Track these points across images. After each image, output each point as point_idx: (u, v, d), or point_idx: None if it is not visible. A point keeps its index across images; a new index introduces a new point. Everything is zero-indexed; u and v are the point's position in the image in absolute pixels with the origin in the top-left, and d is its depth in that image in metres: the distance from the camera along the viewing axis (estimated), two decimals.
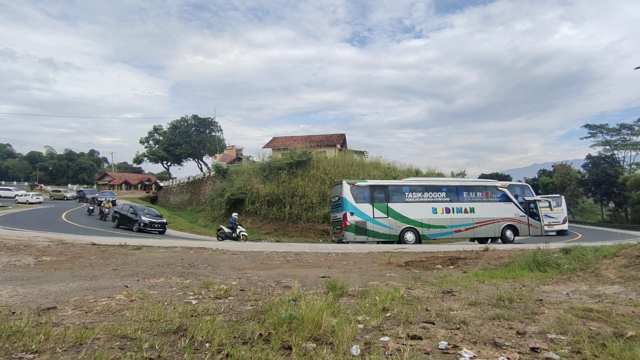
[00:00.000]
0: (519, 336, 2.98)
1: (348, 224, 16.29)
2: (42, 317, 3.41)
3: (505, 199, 18.55)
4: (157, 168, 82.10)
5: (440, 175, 41.25)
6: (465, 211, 17.79)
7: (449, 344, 2.75)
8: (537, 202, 19.34)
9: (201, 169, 57.52)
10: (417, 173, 34.59)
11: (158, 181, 63.83)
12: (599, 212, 58.56)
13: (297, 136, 43.86)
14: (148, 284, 5.46)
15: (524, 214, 18.56)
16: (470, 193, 18.27)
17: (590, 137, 60.73)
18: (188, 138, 56.46)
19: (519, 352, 2.62)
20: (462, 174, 54.86)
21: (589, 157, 58.31)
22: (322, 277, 6.45)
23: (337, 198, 17.33)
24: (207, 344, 2.68)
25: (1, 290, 4.78)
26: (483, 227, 17.90)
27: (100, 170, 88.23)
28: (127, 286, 5.17)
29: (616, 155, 58.18)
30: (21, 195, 42.68)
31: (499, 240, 17.91)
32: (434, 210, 17.47)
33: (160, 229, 22.23)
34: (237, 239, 19.22)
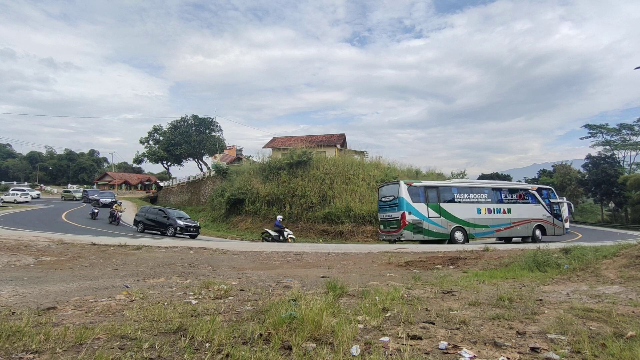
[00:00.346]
0: (519, 336, 2.98)
1: (407, 222, 16.75)
2: (42, 317, 3.41)
3: (535, 200, 19.86)
4: (157, 168, 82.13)
5: (440, 175, 41.25)
6: (504, 212, 18.81)
7: (449, 344, 2.75)
8: (560, 203, 20.81)
9: (201, 169, 57.55)
10: (417, 173, 34.60)
11: (158, 181, 63.84)
12: (599, 212, 58.55)
13: (297, 136, 43.87)
14: (148, 284, 5.46)
15: (550, 215, 19.93)
16: (508, 195, 19.48)
17: (590, 137, 60.72)
18: (188, 138, 56.47)
19: (519, 352, 2.62)
20: (462, 174, 54.87)
21: (589, 157, 58.30)
22: (322, 277, 6.45)
23: (391, 197, 17.65)
24: (207, 344, 2.68)
25: (1, 290, 4.78)
26: (518, 227, 18.98)
27: (100, 170, 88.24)
28: (127, 286, 5.18)
29: (616, 155, 58.17)
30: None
31: (530, 240, 18.97)
32: (479, 211, 18.34)
33: (194, 233, 20.96)
34: (284, 242, 18.85)
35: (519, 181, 54.46)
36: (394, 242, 17.34)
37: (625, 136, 57.61)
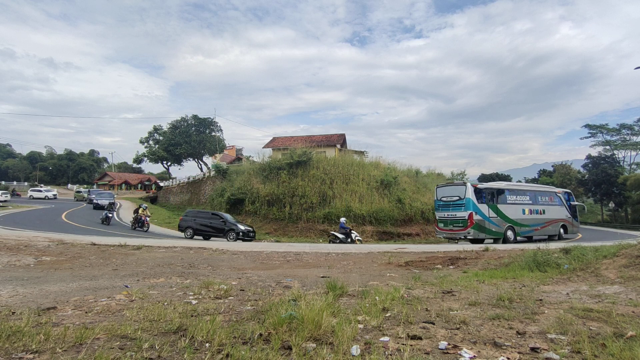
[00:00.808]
0: (519, 336, 2.98)
1: (474, 222, 17.81)
2: (42, 317, 3.41)
3: (561, 202, 21.99)
4: (157, 168, 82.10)
5: (440, 175, 41.25)
6: (540, 212, 20.55)
7: (449, 344, 2.75)
8: (576, 206, 23.85)
9: (201, 169, 57.53)
10: (417, 173, 34.59)
11: (158, 181, 63.79)
12: (599, 212, 58.52)
13: (297, 136, 43.84)
14: (148, 284, 5.46)
15: (570, 216, 22.16)
16: (543, 197, 21.29)
17: (590, 137, 60.67)
18: (188, 138, 56.44)
19: (519, 352, 2.62)
20: (462, 174, 54.83)
21: (589, 157, 58.28)
22: (322, 277, 6.45)
23: (456, 198, 18.71)
24: (207, 344, 2.68)
25: (1, 290, 4.78)
26: (549, 227, 20.83)
27: (100, 170, 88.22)
28: (127, 286, 5.18)
29: (616, 155, 58.13)
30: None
31: (556, 237, 20.73)
32: (523, 211, 19.83)
33: (253, 237, 20.41)
34: (352, 243, 18.98)
35: (519, 181, 55.14)
36: (457, 240, 18.74)
37: (625, 136, 57.58)
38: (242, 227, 19.97)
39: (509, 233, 18.66)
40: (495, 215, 18.51)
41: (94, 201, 35.43)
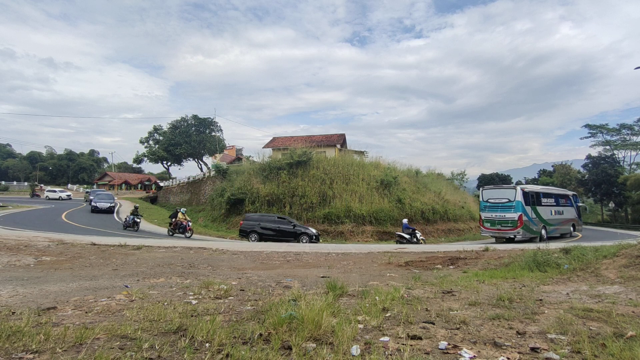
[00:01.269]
0: (519, 336, 2.98)
1: (523, 222, 19.28)
2: (42, 317, 3.41)
3: (571, 203, 24.37)
4: (157, 168, 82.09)
5: (440, 175, 41.26)
6: (561, 213, 22.72)
7: (449, 344, 2.75)
8: (581, 206, 27.09)
9: (201, 169, 57.53)
10: (417, 173, 34.60)
11: (158, 181, 63.77)
12: (599, 212, 58.51)
13: (297, 136, 43.83)
14: (148, 284, 5.46)
15: (577, 215, 24.82)
16: (562, 199, 23.53)
17: (590, 137, 60.65)
18: (188, 138, 56.44)
19: (519, 352, 2.62)
20: (462, 174, 54.75)
21: (589, 157, 58.27)
22: (322, 277, 6.45)
23: (506, 200, 20.27)
24: (207, 344, 2.68)
25: (1, 290, 4.78)
26: (565, 225, 23.02)
27: (100, 170, 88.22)
28: (127, 286, 5.18)
29: (616, 155, 58.12)
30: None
31: (568, 235, 23.05)
32: (551, 212, 21.82)
33: (318, 239, 20.35)
34: (417, 243, 19.55)
35: (519, 181, 55.61)
36: (506, 240, 19.89)
37: (625, 136, 57.56)
38: (314, 231, 20.34)
39: (543, 232, 20.37)
40: (535, 217, 20.15)
41: (92, 204, 31.96)
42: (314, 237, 19.69)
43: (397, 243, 19.57)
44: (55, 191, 50.96)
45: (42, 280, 5.70)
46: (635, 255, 6.19)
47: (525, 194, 19.73)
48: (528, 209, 19.54)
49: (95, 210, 30.82)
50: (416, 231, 20.38)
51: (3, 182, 71.44)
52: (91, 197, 35.25)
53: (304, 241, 19.11)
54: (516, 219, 19.14)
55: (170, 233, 20.41)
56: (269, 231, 19.83)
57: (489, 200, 20.89)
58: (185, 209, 22.72)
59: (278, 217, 21.04)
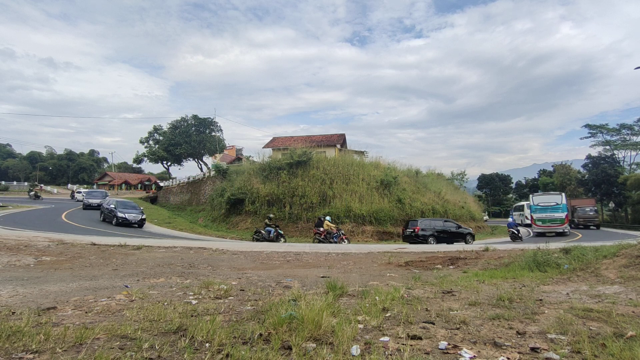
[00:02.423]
0: (519, 336, 2.98)
1: (568, 220, 26.88)
2: (42, 317, 3.41)
3: (565, 205, 28.15)
4: (157, 168, 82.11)
5: (440, 175, 41.25)
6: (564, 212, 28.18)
7: (449, 344, 2.75)
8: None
9: (201, 169, 57.55)
10: (417, 173, 34.60)
11: (158, 181, 63.76)
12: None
13: (297, 136, 43.83)
14: (148, 284, 5.46)
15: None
16: (564, 201, 27.61)
17: (590, 137, 60.62)
18: (188, 138, 56.46)
19: (519, 352, 2.62)
20: (462, 174, 54.71)
21: (589, 157, 58.25)
22: (322, 277, 6.45)
23: (554, 203, 26.81)
24: (207, 344, 2.68)
25: (1, 290, 4.78)
26: (566, 223, 26.80)
27: (100, 170, 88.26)
28: (127, 286, 5.17)
29: (616, 155, 58.09)
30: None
31: (567, 232, 27.20)
32: (569, 212, 28.46)
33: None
34: (521, 239, 22.56)
35: (519, 181, 56.58)
36: (555, 234, 25.59)
37: (625, 136, 57.52)
38: (472, 231, 22.73)
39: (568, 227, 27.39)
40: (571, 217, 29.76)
41: (85, 200, 32.67)
42: (474, 236, 21.74)
43: (512, 239, 22.54)
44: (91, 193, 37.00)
45: (42, 280, 5.70)
46: (635, 255, 6.19)
47: (565, 199, 27.10)
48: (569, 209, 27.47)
49: (88, 207, 31.71)
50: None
51: (3, 182, 71.43)
52: (83, 196, 36.79)
53: (469, 241, 20.59)
54: (563, 217, 26.14)
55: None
56: (442, 233, 20.68)
57: (539, 204, 27.27)
58: (330, 217, 21.72)
59: (445, 221, 22.15)
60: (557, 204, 26.51)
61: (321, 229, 19.59)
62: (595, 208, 38.46)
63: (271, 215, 21.76)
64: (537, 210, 27.28)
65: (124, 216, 22.89)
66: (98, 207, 29.67)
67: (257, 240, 19.25)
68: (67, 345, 2.61)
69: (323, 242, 18.66)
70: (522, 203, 43.74)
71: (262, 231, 19.61)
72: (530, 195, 29.99)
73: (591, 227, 34.85)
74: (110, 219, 23.40)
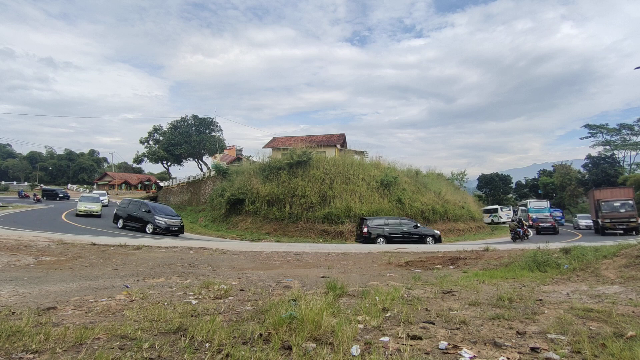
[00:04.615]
0: (519, 336, 2.98)
1: (551, 216, 32.38)
2: (42, 317, 3.41)
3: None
4: (157, 168, 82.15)
5: (440, 175, 41.20)
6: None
7: (449, 344, 2.75)
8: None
9: (201, 169, 57.54)
10: (417, 173, 34.58)
11: (158, 181, 63.83)
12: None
13: (297, 136, 43.81)
14: (148, 284, 5.46)
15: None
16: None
17: (590, 137, 60.61)
18: (188, 138, 56.46)
19: (519, 352, 2.62)
20: (462, 174, 54.65)
21: (589, 157, 58.25)
22: (322, 277, 6.45)
23: (543, 207, 38.20)
24: (207, 344, 2.68)
25: (1, 290, 4.78)
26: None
27: (100, 170, 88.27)
28: (127, 286, 5.17)
29: (616, 155, 58.11)
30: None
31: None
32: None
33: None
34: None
35: (519, 181, 57.66)
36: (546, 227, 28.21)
37: (625, 136, 57.53)
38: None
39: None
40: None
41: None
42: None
43: (514, 241, 22.43)
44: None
45: (42, 280, 5.70)
46: (635, 255, 6.19)
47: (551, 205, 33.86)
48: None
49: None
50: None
51: (3, 182, 71.43)
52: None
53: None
54: (548, 215, 32.54)
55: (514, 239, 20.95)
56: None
57: (534, 207, 38.61)
58: (509, 207, 27.77)
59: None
60: (545, 207, 38.56)
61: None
62: (632, 202, 24.79)
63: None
64: (532, 211, 37.79)
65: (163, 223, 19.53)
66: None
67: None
68: (67, 345, 2.61)
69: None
70: (525, 201, 49.12)
71: None
72: (527, 201, 42.57)
73: (621, 232, 23.59)
74: (141, 225, 20.10)
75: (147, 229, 19.62)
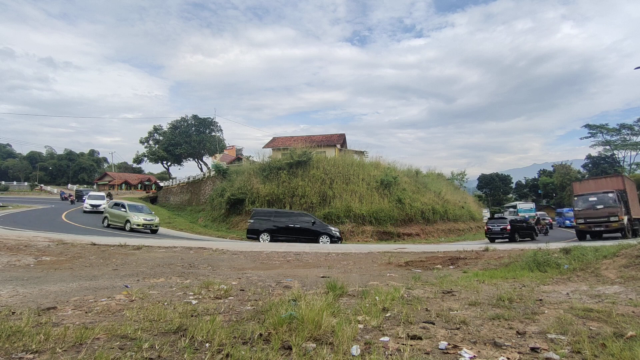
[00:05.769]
0: (519, 336, 2.98)
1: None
2: (42, 317, 3.41)
3: None
4: (157, 168, 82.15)
5: (440, 175, 41.23)
6: None
7: (449, 344, 2.75)
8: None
9: (201, 169, 57.55)
10: (417, 173, 34.59)
11: (158, 181, 63.81)
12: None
13: (297, 136, 43.81)
14: (148, 284, 5.46)
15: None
16: None
17: (590, 137, 60.67)
18: (188, 138, 56.48)
19: (519, 352, 2.62)
20: (462, 174, 54.69)
21: (589, 157, 58.32)
22: (322, 277, 6.45)
23: (529, 208, 42.72)
24: (207, 344, 2.68)
25: (1, 290, 4.78)
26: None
27: (100, 170, 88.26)
28: (127, 286, 5.17)
29: (616, 155, 58.18)
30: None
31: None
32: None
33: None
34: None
35: (519, 181, 58.21)
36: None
37: (625, 136, 57.57)
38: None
39: None
40: None
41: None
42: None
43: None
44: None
45: (42, 280, 5.70)
46: (635, 255, 6.20)
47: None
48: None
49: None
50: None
51: (3, 182, 71.42)
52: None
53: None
54: (533, 215, 34.45)
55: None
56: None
57: (523, 208, 44.77)
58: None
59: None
60: (531, 208, 44.53)
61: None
62: (612, 195, 18.19)
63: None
64: (522, 211, 42.26)
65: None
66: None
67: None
68: (67, 345, 2.61)
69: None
70: (514, 203, 56.04)
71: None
72: (517, 203, 50.69)
73: (599, 236, 18.27)
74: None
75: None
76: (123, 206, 21.63)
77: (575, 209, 19.24)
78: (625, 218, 17.76)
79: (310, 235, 17.87)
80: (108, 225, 21.24)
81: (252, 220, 18.51)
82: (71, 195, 45.88)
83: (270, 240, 17.59)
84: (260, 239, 17.60)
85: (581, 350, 2.63)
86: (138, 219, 20.42)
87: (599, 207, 18.30)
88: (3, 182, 72.03)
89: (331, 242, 17.75)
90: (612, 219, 17.59)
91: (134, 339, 2.78)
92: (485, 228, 21.55)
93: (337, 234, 18.62)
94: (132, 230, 19.82)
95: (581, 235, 19.18)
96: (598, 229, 18.12)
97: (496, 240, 20.06)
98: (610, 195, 18.29)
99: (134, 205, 22.66)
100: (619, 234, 17.65)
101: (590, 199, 18.84)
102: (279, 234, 17.90)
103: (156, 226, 21.31)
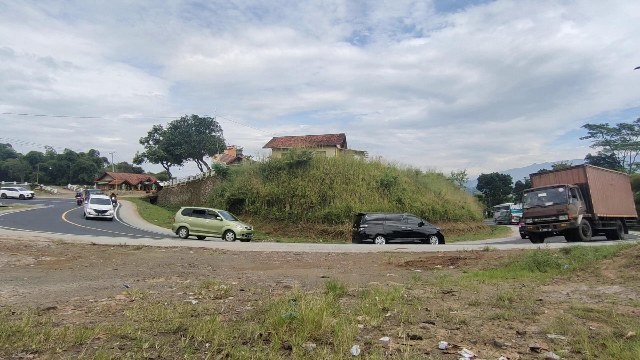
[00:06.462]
0: (519, 336, 2.98)
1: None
2: (42, 317, 3.41)
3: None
4: (157, 168, 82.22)
5: (440, 175, 41.22)
6: None
7: (449, 344, 2.74)
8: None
9: (201, 169, 57.59)
10: (417, 173, 34.61)
11: (158, 181, 63.86)
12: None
13: (297, 136, 43.84)
14: (148, 284, 5.46)
15: None
16: None
17: (590, 137, 60.69)
18: (188, 138, 56.52)
19: (519, 352, 2.62)
20: (462, 174, 54.74)
21: (589, 157, 58.35)
22: (322, 277, 6.45)
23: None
24: (207, 344, 2.68)
25: (1, 290, 4.78)
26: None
27: (100, 170, 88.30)
28: (127, 286, 5.17)
29: (616, 155, 58.19)
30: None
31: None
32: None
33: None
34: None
35: (519, 181, 58.95)
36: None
37: (625, 136, 57.58)
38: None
39: None
40: None
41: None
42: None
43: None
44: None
45: (42, 280, 5.70)
46: (635, 255, 6.19)
47: None
48: None
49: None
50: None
51: (3, 182, 71.42)
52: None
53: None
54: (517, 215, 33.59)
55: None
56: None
57: (514, 209, 45.72)
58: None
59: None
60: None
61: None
62: (562, 190, 15.54)
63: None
64: (514, 211, 46.61)
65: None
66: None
67: None
68: (67, 345, 2.61)
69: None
70: (507, 204, 57.48)
71: None
72: (509, 204, 53.18)
73: (547, 237, 16.15)
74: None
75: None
76: (216, 215, 19.65)
77: (524, 206, 16.78)
78: (580, 217, 15.12)
79: (421, 237, 18.05)
80: (186, 237, 18.96)
81: (365, 225, 18.32)
82: (79, 195, 45.13)
83: (386, 243, 17.38)
84: (376, 242, 17.53)
85: (581, 350, 2.63)
86: (242, 228, 19.19)
87: (547, 204, 15.73)
88: (3, 182, 72.02)
89: (439, 242, 17.90)
90: (561, 217, 15.12)
91: (134, 339, 2.78)
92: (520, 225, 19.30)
93: (442, 233, 18.98)
94: (234, 240, 18.34)
95: (534, 238, 16.47)
96: (545, 229, 15.56)
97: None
98: (561, 190, 15.48)
99: (224, 212, 21.03)
100: (574, 235, 14.89)
101: (540, 194, 16.24)
102: (392, 237, 17.87)
103: (251, 234, 20.38)
